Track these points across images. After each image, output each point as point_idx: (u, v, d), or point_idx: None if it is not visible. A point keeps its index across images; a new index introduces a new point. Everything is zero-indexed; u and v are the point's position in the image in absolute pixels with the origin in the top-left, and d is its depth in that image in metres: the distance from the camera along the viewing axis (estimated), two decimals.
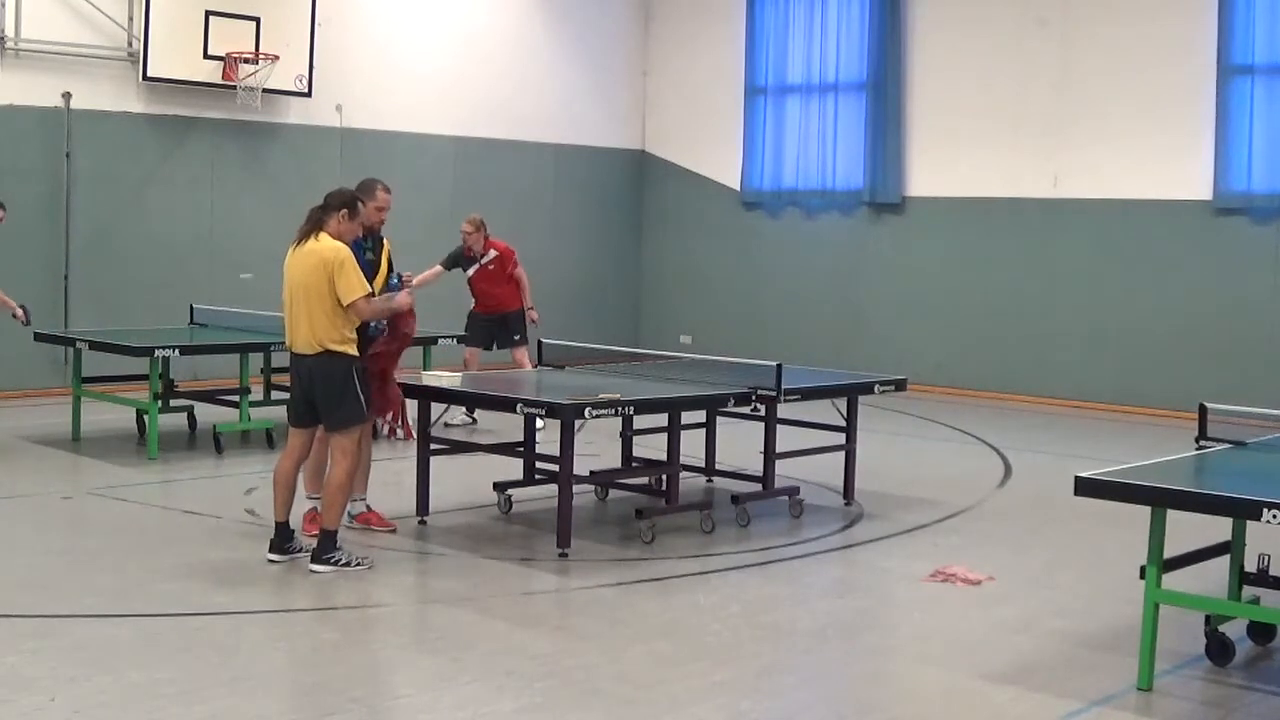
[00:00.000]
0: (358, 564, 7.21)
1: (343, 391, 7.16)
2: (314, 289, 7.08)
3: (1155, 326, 14.12)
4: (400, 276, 7.94)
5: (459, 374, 8.56)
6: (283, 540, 7.33)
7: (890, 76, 15.61)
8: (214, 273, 14.04)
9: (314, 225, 7.21)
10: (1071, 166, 14.54)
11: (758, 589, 7.29)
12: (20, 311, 10.45)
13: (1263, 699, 5.74)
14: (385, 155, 14.80)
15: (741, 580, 7.41)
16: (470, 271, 12.18)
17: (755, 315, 16.76)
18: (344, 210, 7.25)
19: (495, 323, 12.21)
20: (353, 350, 7.22)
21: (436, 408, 8.45)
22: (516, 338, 12.23)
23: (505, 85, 16.47)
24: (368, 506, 8.12)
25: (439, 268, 12.18)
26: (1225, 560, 6.34)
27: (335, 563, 7.16)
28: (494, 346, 12.30)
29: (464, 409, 11.45)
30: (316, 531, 7.40)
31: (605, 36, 17.54)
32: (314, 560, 7.17)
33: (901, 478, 10.18)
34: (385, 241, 8.09)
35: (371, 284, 7.79)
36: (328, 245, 7.13)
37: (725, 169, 17.09)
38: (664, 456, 8.50)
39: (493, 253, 12.14)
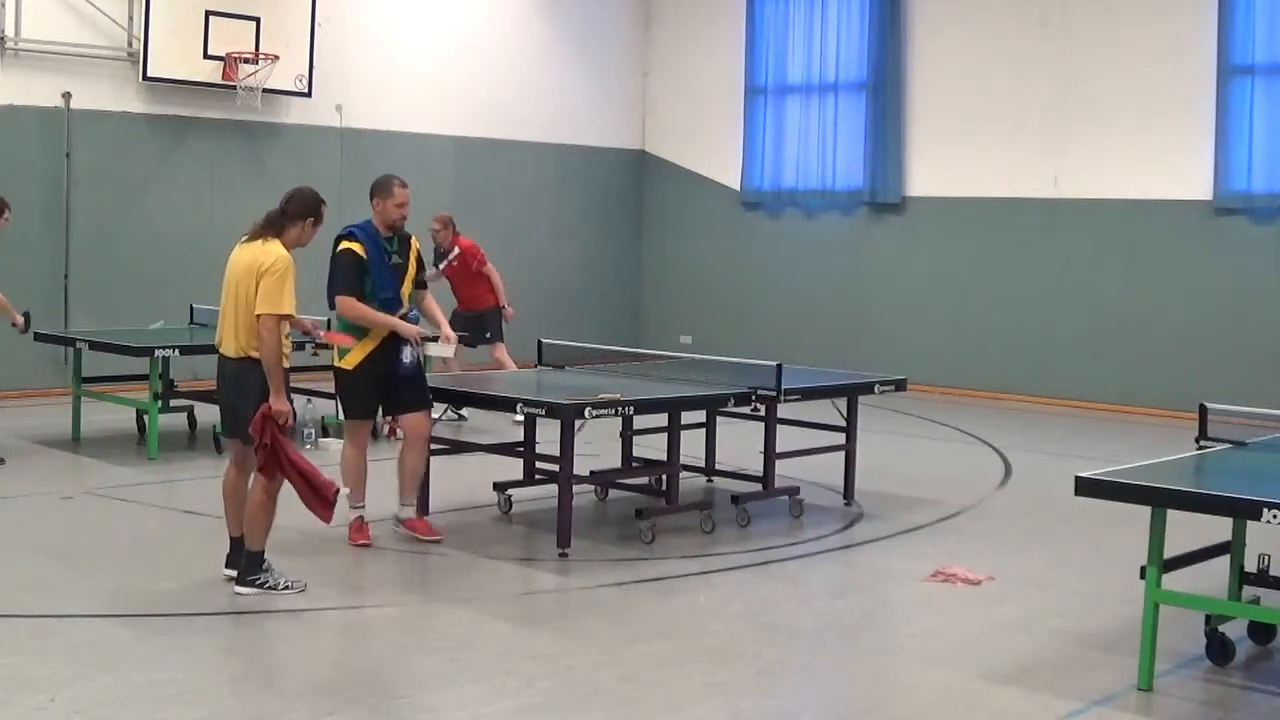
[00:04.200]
0: (286, 587, 6.71)
1: (259, 403, 6.57)
2: (245, 291, 6.67)
3: (1155, 326, 14.11)
4: (415, 310, 7.89)
5: (451, 345, 8.20)
6: (238, 556, 6.82)
7: (890, 76, 15.60)
8: (214, 273, 13.91)
9: (272, 230, 6.77)
10: (1071, 166, 14.54)
11: (758, 589, 7.29)
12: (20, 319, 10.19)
13: (1263, 699, 5.75)
14: (385, 155, 14.76)
15: (741, 580, 7.41)
16: (440, 267, 12.40)
17: (755, 315, 16.75)
18: (309, 219, 6.83)
19: (471, 320, 12.36)
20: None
21: (436, 408, 8.43)
22: (489, 335, 12.43)
23: (505, 85, 16.46)
24: (400, 518, 7.92)
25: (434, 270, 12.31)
26: (1225, 560, 6.34)
27: (262, 585, 6.69)
28: (473, 344, 12.38)
29: (450, 405, 11.46)
30: (363, 542, 7.40)
31: (605, 36, 17.53)
32: (238, 582, 6.73)
33: (901, 478, 10.17)
34: (413, 241, 8.04)
35: (399, 287, 7.75)
36: (274, 251, 6.66)
37: (725, 169, 17.08)
38: (664, 456, 8.51)
39: (456, 249, 12.41)
